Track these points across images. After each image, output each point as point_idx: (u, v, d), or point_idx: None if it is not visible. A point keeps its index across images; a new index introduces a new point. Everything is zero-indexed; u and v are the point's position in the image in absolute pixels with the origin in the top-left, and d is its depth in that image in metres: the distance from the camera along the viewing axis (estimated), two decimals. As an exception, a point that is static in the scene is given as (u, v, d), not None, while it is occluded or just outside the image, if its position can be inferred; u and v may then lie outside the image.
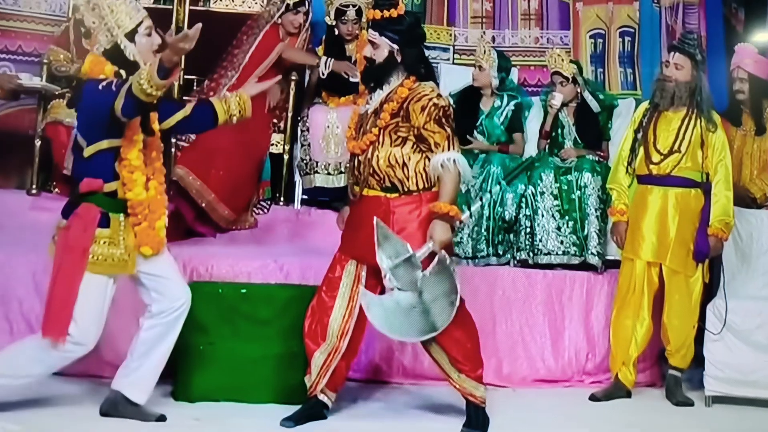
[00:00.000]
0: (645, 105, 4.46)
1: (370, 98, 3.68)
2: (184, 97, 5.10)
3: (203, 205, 4.88)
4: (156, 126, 3.46)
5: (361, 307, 3.60)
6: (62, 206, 3.42)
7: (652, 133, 4.33)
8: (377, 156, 3.55)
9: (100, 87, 3.19)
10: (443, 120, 3.51)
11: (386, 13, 3.57)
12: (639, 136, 4.35)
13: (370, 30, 3.64)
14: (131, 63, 3.33)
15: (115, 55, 3.33)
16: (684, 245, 4.27)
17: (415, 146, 3.55)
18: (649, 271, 4.32)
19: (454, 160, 3.48)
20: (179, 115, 3.52)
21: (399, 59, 3.58)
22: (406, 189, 3.55)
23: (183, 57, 3.19)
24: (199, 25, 3.12)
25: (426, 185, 3.56)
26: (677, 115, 4.32)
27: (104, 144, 3.26)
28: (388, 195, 3.56)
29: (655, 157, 4.29)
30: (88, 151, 3.28)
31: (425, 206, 3.53)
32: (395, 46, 3.57)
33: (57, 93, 5.18)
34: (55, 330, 3.25)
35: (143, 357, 3.49)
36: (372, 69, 3.63)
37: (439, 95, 3.58)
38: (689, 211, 4.29)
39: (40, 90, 5.11)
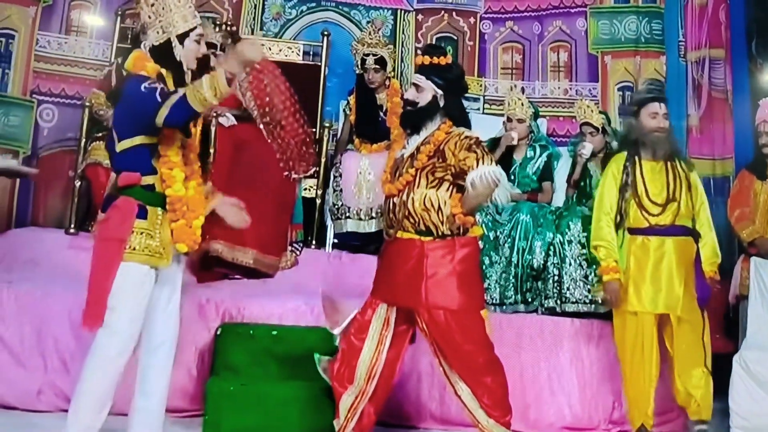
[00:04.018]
0: (622, 158, 4.34)
1: (407, 143, 3.73)
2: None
3: (250, 263, 4.89)
4: (193, 129, 3.44)
5: (389, 350, 3.63)
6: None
7: (642, 185, 4.25)
8: (413, 198, 3.57)
9: (143, 88, 3.18)
10: (473, 146, 3.54)
11: (435, 60, 3.67)
12: (627, 192, 4.24)
13: (416, 75, 3.71)
14: (177, 63, 3.35)
15: (162, 53, 3.33)
16: (690, 292, 4.18)
17: (450, 189, 3.59)
18: (656, 324, 4.21)
19: (481, 176, 3.49)
20: (168, 103, 3.20)
21: (441, 104, 3.66)
22: (440, 233, 3.57)
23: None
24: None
25: (460, 230, 3.60)
26: (659, 164, 4.27)
27: (138, 140, 3.25)
28: (423, 238, 3.57)
29: (654, 209, 4.21)
30: (120, 146, 3.27)
31: (459, 251, 3.57)
32: (439, 92, 3.65)
33: (97, 135, 5.31)
34: (92, 318, 3.21)
35: (144, 396, 3.45)
36: (413, 112, 3.68)
37: (470, 135, 3.63)
38: (688, 258, 4.23)
39: (14, 171, 4.93)
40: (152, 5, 3.33)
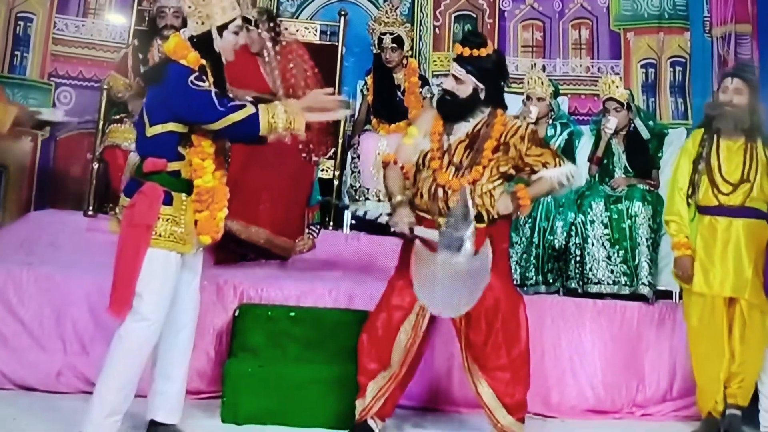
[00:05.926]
0: (700, 133, 4.32)
1: (449, 128, 3.68)
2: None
3: (262, 242, 4.89)
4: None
5: (424, 335, 3.64)
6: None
7: (716, 161, 4.19)
8: (473, 191, 3.57)
9: (190, 83, 3.21)
10: (542, 141, 3.69)
11: (475, 52, 3.61)
12: (700, 166, 4.20)
13: (455, 65, 3.64)
14: (216, 56, 3.35)
15: (201, 44, 3.33)
16: (759, 278, 4.12)
17: (500, 181, 3.63)
18: (726, 306, 4.15)
19: (568, 176, 3.62)
20: (235, 117, 3.27)
21: (482, 98, 3.63)
22: (490, 218, 3.59)
23: None
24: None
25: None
26: (737, 143, 4.20)
27: (170, 127, 3.24)
28: (485, 225, 3.58)
29: (725, 188, 4.15)
30: (151, 131, 3.26)
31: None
32: (480, 85, 3.62)
33: (115, 118, 5.32)
34: (119, 304, 3.23)
35: (165, 379, 3.48)
36: (454, 103, 3.65)
37: (528, 125, 3.71)
38: (759, 242, 4.15)
39: (61, 122, 5.03)
40: None
